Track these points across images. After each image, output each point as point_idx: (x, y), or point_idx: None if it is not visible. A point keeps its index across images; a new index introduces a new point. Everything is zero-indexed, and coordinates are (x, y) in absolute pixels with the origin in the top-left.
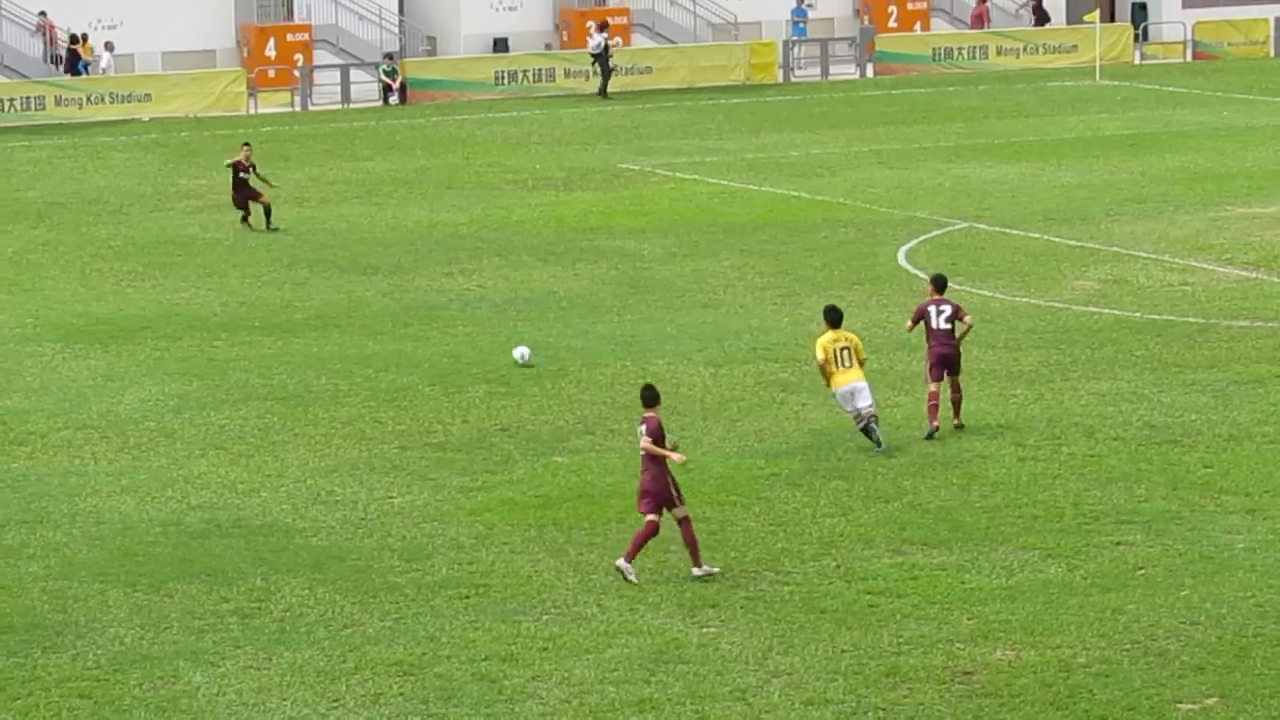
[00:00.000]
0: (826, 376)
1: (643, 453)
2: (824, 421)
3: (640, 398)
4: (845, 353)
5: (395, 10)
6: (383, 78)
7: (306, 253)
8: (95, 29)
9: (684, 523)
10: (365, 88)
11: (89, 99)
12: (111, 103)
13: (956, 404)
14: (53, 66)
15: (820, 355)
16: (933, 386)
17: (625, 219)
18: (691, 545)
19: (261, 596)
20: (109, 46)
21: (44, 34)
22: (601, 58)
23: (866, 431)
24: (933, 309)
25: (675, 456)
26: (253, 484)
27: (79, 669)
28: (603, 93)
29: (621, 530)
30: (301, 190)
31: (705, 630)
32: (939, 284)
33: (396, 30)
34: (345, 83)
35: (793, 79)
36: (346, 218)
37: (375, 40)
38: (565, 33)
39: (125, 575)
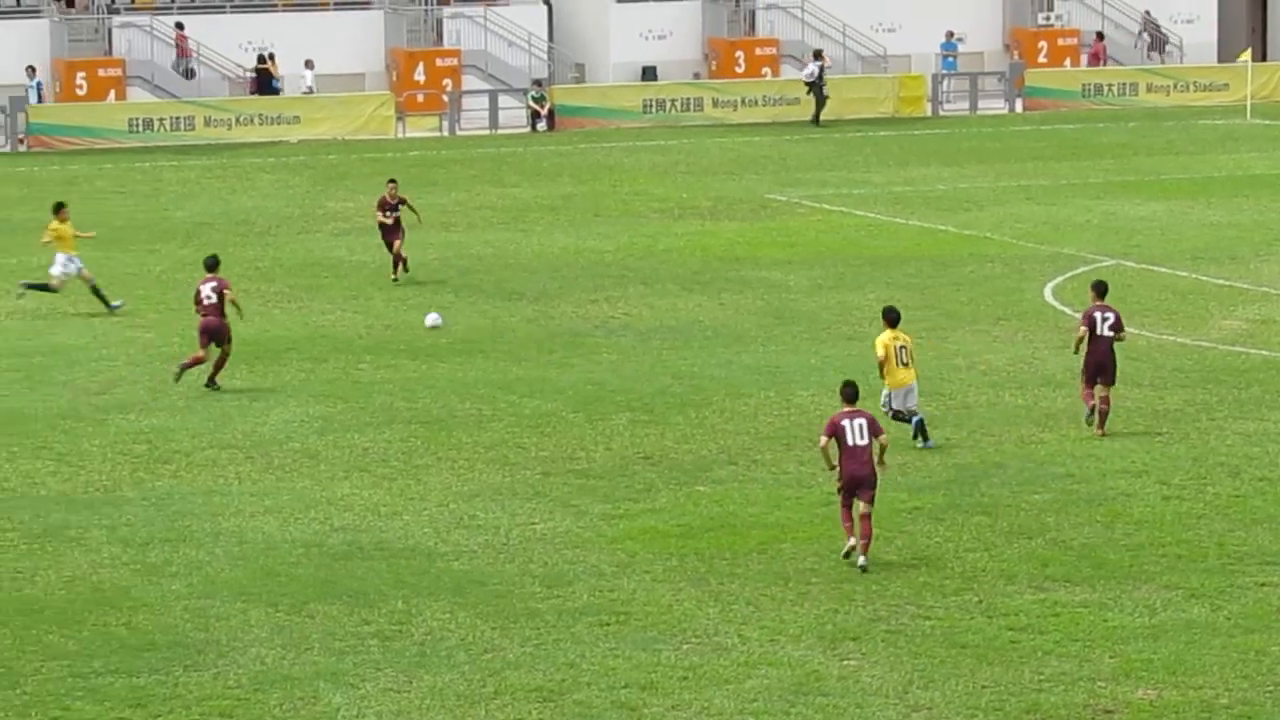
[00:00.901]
0: (884, 372)
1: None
2: (967, 456)
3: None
4: (903, 351)
5: (545, 37)
6: (531, 104)
7: (452, 277)
8: (246, 50)
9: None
10: (513, 113)
11: (238, 120)
12: (260, 124)
13: (1103, 415)
14: (182, 78)
15: (880, 352)
16: (1087, 391)
17: (771, 250)
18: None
19: (402, 619)
20: (309, 65)
21: (177, 48)
22: (816, 85)
23: (920, 427)
24: (1098, 315)
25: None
26: (395, 507)
27: (220, 688)
28: (816, 120)
29: (763, 560)
30: (448, 215)
31: (846, 663)
32: (1100, 289)
33: (545, 57)
34: (493, 108)
35: (941, 113)
36: (492, 243)
37: (524, 66)
38: (714, 62)
39: (267, 595)
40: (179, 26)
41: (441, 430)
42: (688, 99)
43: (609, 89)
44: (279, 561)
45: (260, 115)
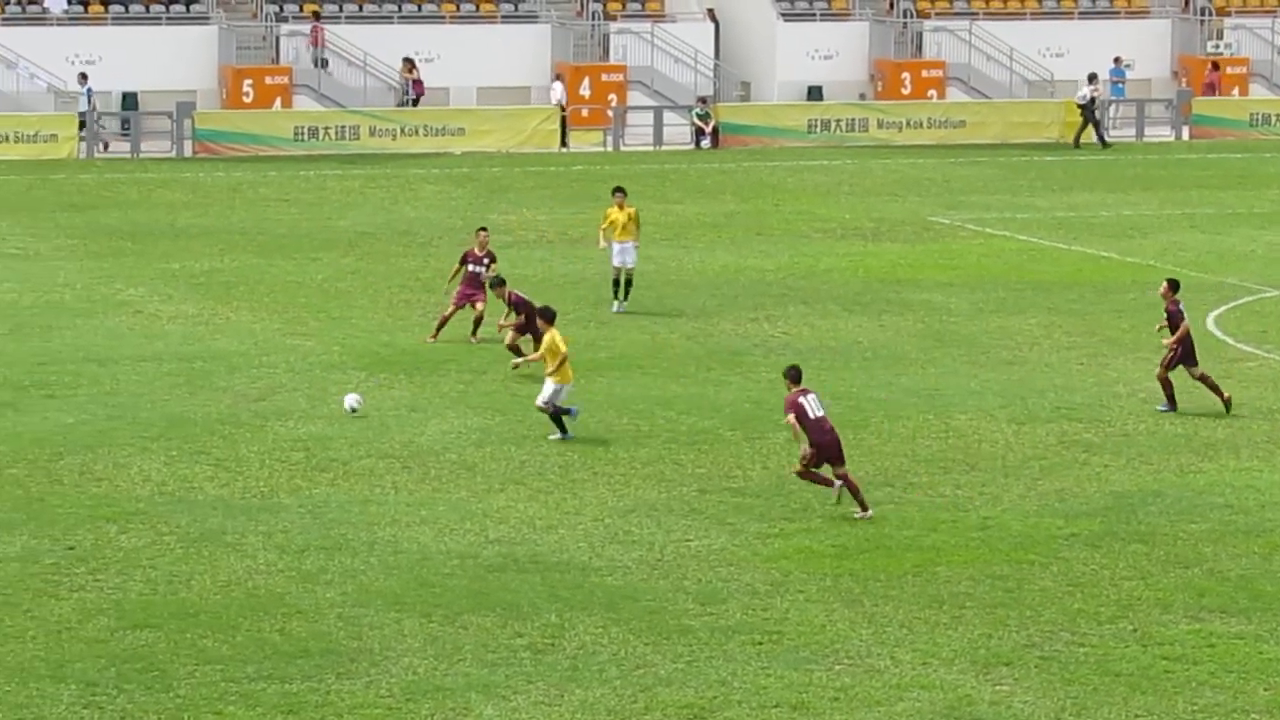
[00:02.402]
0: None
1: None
2: (1126, 484)
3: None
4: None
5: (711, 54)
6: (695, 121)
7: (612, 293)
8: (415, 60)
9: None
10: (677, 130)
11: (403, 130)
12: (425, 135)
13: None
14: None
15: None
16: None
17: (933, 272)
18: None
19: (555, 633)
20: (560, 78)
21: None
22: (1087, 108)
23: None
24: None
25: None
26: (550, 520)
27: (372, 696)
28: (1102, 141)
29: (917, 583)
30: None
31: (998, 688)
32: (1176, 285)
33: (711, 74)
34: (658, 124)
35: (1107, 139)
36: (654, 259)
37: (689, 83)
38: (879, 83)
39: (421, 605)
40: (315, 16)
41: (599, 445)
42: (853, 119)
43: (774, 108)
44: (433, 572)
45: (425, 126)
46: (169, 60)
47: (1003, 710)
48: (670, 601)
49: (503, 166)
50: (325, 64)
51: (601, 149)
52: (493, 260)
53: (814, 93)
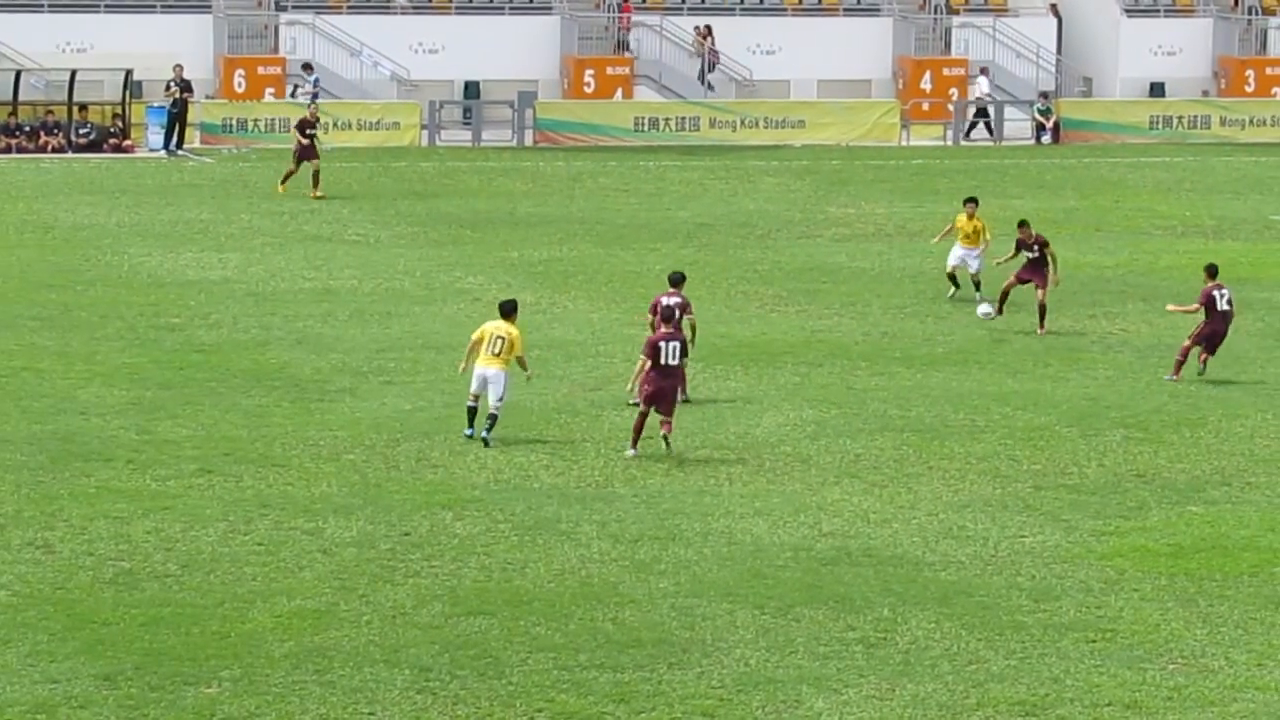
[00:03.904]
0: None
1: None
2: None
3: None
4: (499, 342)
5: (1053, 50)
6: (1037, 116)
7: (946, 287)
8: (755, 53)
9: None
10: (1019, 125)
11: (743, 122)
12: (765, 128)
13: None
14: (696, 81)
15: (475, 335)
16: (1189, 344)
17: (1274, 271)
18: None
19: (888, 627)
20: (983, 71)
21: (703, 56)
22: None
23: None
24: (1217, 293)
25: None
26: (885, 514)
27: (703, 687)
28: (966, 135)
29: (1254, 583)
30: (945, 224)
31: None
32: (1212, 271)
33: (1053, 69)
34: (999, 119)
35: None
36: (993, 254)
37: (1031, 78)
38: (1223, 80)
39: (754, 597)
40: (708, 30)
41: (934, 439)
42: (1195, 116)
43: (1116, 104)
44: (767, 564)
45: (765, 119)
46: (511, 49)
47: None
48: (1003, 598)
49: (842, 159)
50: (710, 70)
51: (941, 143)
52: (1045, 245)
53: (1156, 89)
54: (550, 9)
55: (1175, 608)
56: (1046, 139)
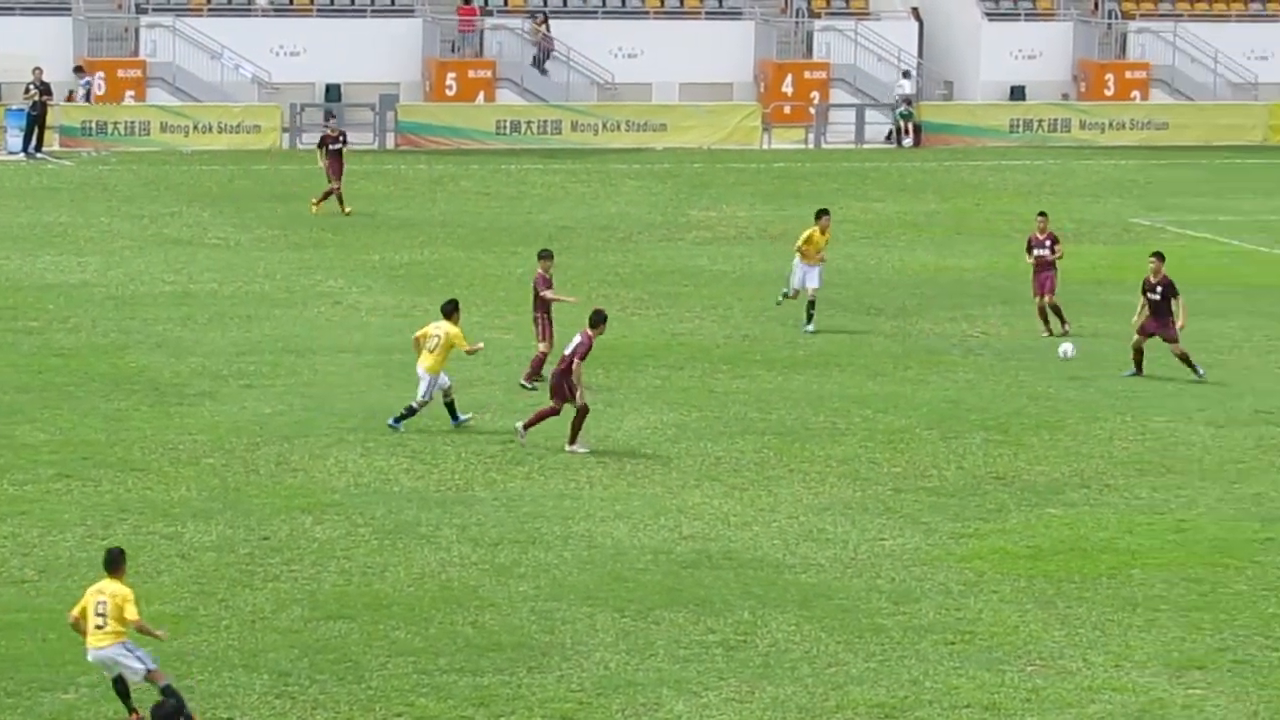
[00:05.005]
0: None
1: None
2: None
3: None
4: (435, 340)
5: (914, 53)
6: (898, 120)
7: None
8: (617, 56)
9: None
10: (879, 128)
11: (605, 126)
12: (627, 131)
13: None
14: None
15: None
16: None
17: (1133, 275)
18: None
19: (748, 630)
20: (906, 75)
21: (537, 43)
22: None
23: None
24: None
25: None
26: (745, 517)
27: (563, 690)
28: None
29: (1112, 585)
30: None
31: (1191, 692)
32: (1161, 256)
33: (915, 73)
34: (860, 122)
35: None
36: (853, 257)
37: (892, 82)
38: (1083, 83)
39: (614, 600)
40: (544, 17)
41: (795, 442)
42: (1056, 119)
43: (977, 107)
44: (627, 567)
45: (627, 122)
46: (373, 52)
47: (1195, 714)
48: (863, 600)
49: (704, 162)
50: (545, 59)
51: (803, 146)
52: (1055, 242)
53: (1017, 92)
54: (412, 11)
55: (1034, 610)
56: (908, 142)
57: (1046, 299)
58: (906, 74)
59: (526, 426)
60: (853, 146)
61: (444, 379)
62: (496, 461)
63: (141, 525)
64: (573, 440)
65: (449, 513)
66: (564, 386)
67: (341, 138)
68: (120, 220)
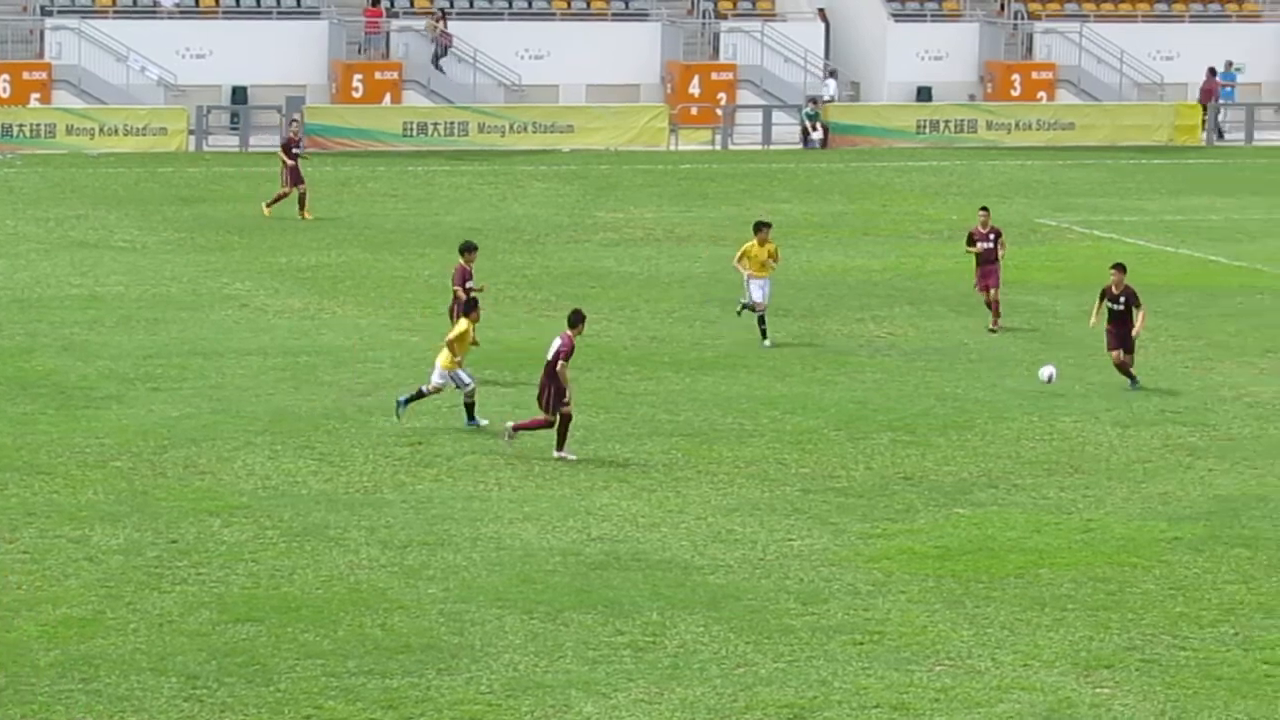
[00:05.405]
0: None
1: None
2: (1230, 488)
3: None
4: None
5: (821, 54)
6: (804, 121)
7: (720, 291)
8: (523, 58)
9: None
10: (786, 130)
11: (511, 127)
12: (534, 132)
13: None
14: (437, 69)
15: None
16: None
17: (1040, 275)
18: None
19: (657, 631)
20: (833, 74)
21: (435, 40)
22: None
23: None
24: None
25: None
26: (653, 518)
27: (472, 693)
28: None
29: (1020, 585)
30: (718, 229)
31: (1099, 691)
32: (1121, 268)
33: (821, 74)
34: (767, 124)
35: (1217, 143)
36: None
37: (799, 83)
38: (989, 84)
39: (523, 602)
40: (442, 14)
41: (703, 444)
42: (962, 120)
43: (883, 108)
44: (536, 569)
45: (534, 123)
46: (279, 54)
47: (1103, 713)
48: (772, 601)
49: (611, 164)
50: (442, 55)
51: (710, 147)
52: (999, 236)
53: (923, 93)
54: (318, 14)
55: (942, 609)
56: (817, 135)
57: (993, 293)
58: (833, 73)
59: (517, 429)
60: (760, 148)
61: (465, 376)
62: (405, 464)
63: (48, 529)
64: (560, 446)
65: (357, 515)
66: (549, 391)
67: (300, 142)
68: (26, 223)
